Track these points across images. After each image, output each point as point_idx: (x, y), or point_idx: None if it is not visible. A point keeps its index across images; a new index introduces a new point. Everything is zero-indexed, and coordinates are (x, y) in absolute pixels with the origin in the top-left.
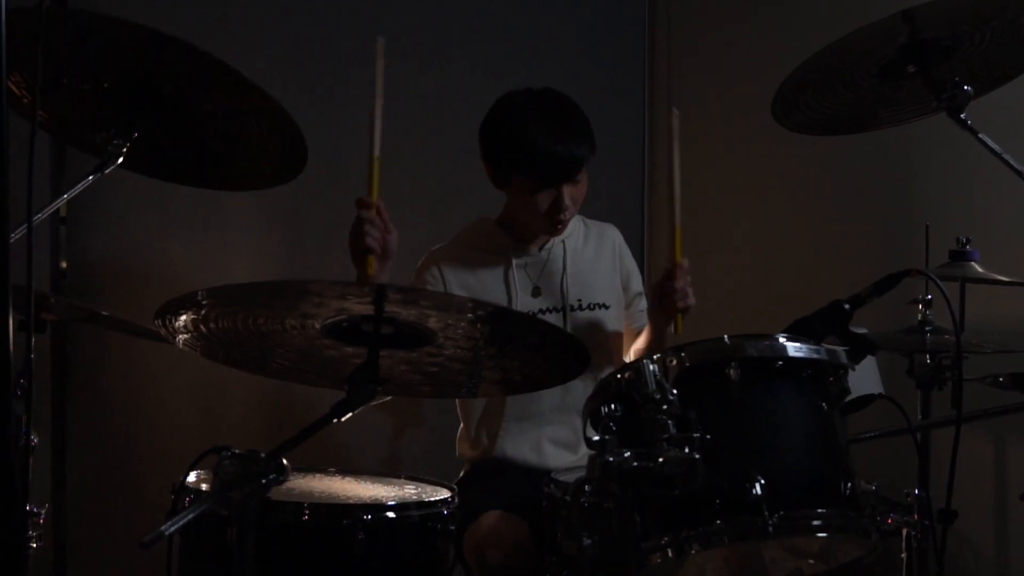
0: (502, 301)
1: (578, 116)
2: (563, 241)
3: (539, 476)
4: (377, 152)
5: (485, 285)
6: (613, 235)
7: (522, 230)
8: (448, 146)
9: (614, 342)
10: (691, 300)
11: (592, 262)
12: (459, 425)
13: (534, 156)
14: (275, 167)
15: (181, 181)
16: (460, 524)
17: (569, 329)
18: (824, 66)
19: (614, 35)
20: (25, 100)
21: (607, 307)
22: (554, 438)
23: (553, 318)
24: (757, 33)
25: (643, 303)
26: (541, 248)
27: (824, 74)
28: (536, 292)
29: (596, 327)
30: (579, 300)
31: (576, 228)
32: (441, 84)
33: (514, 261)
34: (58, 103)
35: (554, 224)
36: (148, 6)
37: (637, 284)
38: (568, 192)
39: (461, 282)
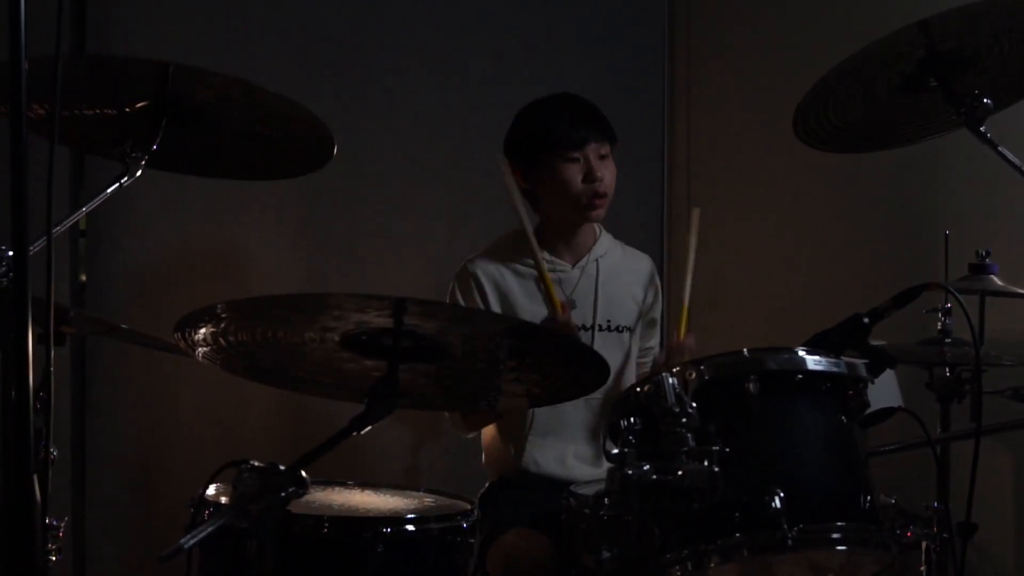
0: (537, 314)
1: (592, 106)
2: (597, 260)
3: (563, 489)
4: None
5: (520, 298)
6: (646, 264)
7: (557, 236)
8: (468, 153)
9: (634, 362)
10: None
11: (622, 285)
12: (480, 438)
13: (556, 129)
14: (302, 157)
15: (204, 174)
16: (484, 539)
17: (594, 347)
18: (843, 79)
19: (633, 43)
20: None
21: (632, 331)
22: (579, 453)
23: (580, 335)
24: (776, 41)
25: (654, 339)
26: (575, 265)
27: (843, 88)
28: (571, 305)
29: (619, 348)
30: (608, 321)
31: (612, 249)
32: (459, 91)
33: (549, 275)
34: (79, 124)
35: (592, 197)
36: (163, 33)
37: (655, 312)
38: (597, 164)
39: (498, 294)
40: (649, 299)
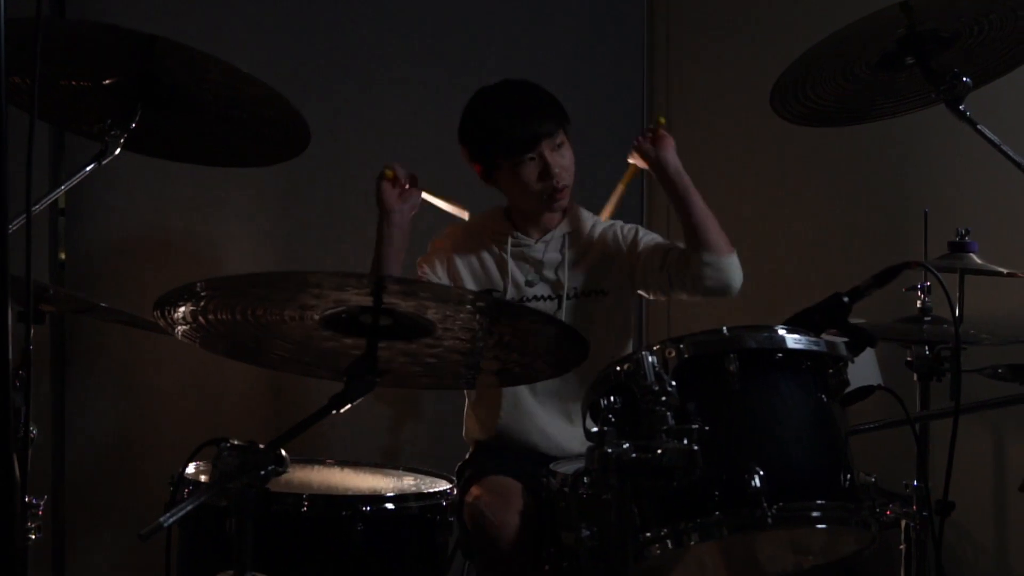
0: (496, 285)
1: (539, 92)
2: (564, 235)
3: (542, 455)
4: None
5: (484, 269)
6: (618, 225)
7: (524, 218)
8: (448, 138)
9: (610, 328)
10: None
11: (594, 249)
12: (460, 415)
13: (506, 132)
14: (277, 146)
15: (181, 159)
16: (460, 492)
17: (563, 316)
18: (823, 57)
19: (614, 29)
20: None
21: (604, 293)
22: (554, 422)
23: (547, 305)
24: (758, 26)
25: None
26: (540, 239)
27: (823, 65)
28: (532, 280)
29: (591, 313)
30: (575, 288)
31: (587, 221)
32: (439, 78)
33: (511, 248)
34: (57, 97)
35: (552, 192)
36: (146, 5)
37: (645, 241)
38: (552, 158)
39: (464, 264)
40: (624, 246)
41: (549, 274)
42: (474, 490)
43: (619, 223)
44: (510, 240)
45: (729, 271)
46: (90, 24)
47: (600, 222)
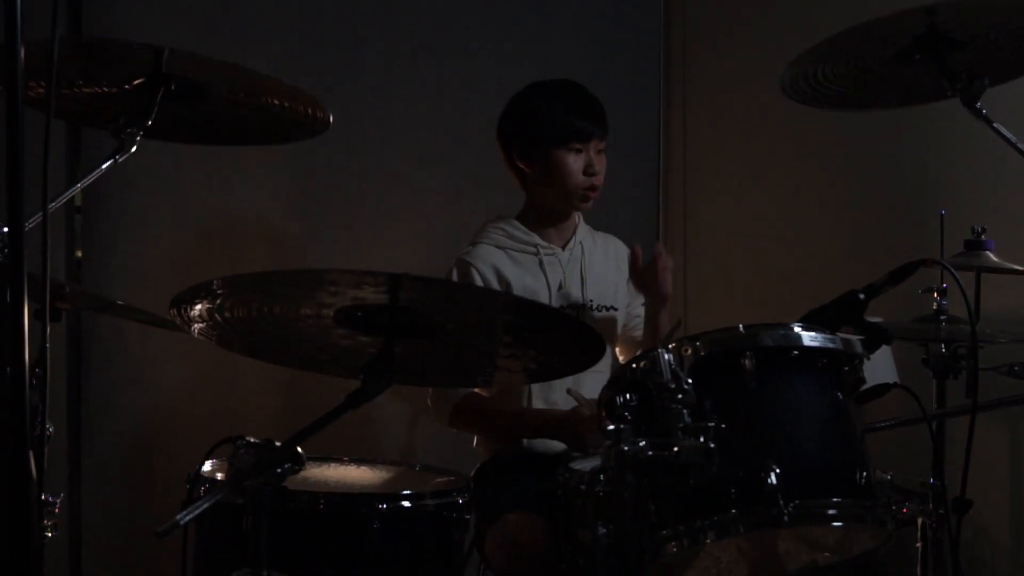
0: (543, 296)
1: (598, 100)
2: (581, 243)
3: (557, 465)
4: None
5: (525, 280)
6: (616, 245)
7: (543, 224)
8: (464, 129)
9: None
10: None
11: (602, 267)
12: None
13: (565, 118)
14: (297, 126)
15: (199, 142)
16: (480, 521)
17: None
18: (839, 47)
19: (630, 22)
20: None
21: (615, 309)
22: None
23: (571, 313)
24: (775, 23)
25: (641, 307)
26: (564, 247)
27: (837, 54)
28: (560, 286)
29: (606, 327)
30: (591, 300)
31: (586, 234)
32: (459, 78)
33: (544, 257)
34: (73, 97)
35: (588, 189)
36: (159, 16)
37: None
38: (596, 158)
39: (501, 279)
40: (627, 275)
41: (572, 284)
42: (498, 527)
43: (616, 244)
44: (541, 249)
45: None
46: (104, 41)
47: (597, 235)
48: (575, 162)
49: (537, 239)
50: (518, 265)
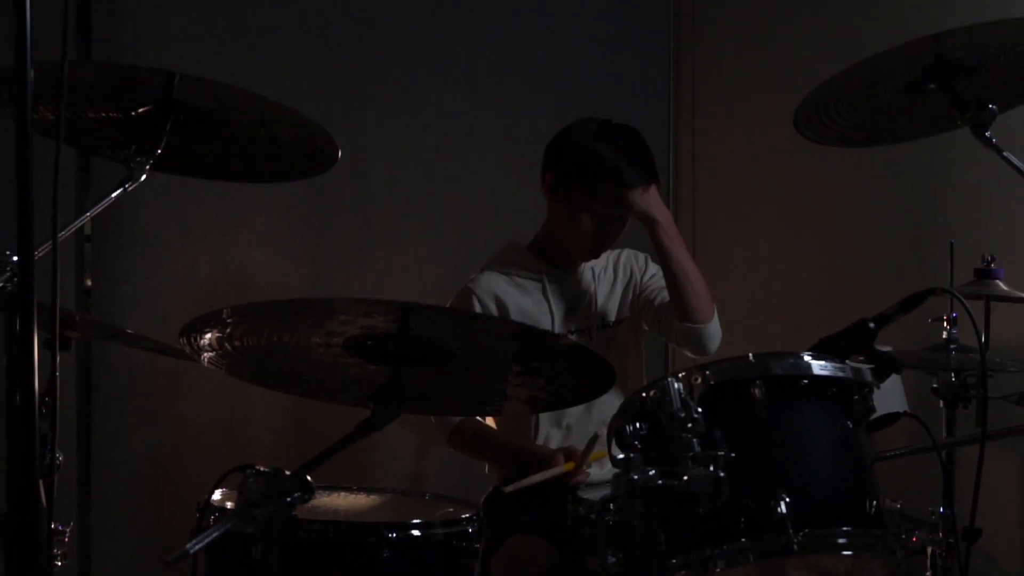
0: (545, 322)
1: (646, 154)
2: (592, 266)
3: (567, 493)
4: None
5: (526, 308)
6: (627, 256)
7: (557, 253)
8: (474, 155)
9: (632, 353)
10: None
11: (611, 282)
12: None
13: (608, 163)
14: (306, 161)
15: (209, 176)
16: (487, 545)
17: (594, 346)
18: (848, 82)
19: (639, 46)
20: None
21: (623, 322)
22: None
23: (580, 337)
24: (784, 44)
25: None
26: (569, 271)
27: (848, 90)
28: (570, 313)
29: (617, 341)
30: (602, 319)
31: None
32: (465, 94)
33: (548, 285)
34: (83, 125)
35: (595, 249)
36: (168, 40)
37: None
38: (611, 226)
39: (500, 306)
40: (637, 276)
41: (580, 307)
42: (504, 551)
43: (624, 253)
44: (545, 277)
45: (707, 339)
46: (113, 66)
47: (611, 251)
48: (591, 227)
49: (543, 266)
50: (521, 291)
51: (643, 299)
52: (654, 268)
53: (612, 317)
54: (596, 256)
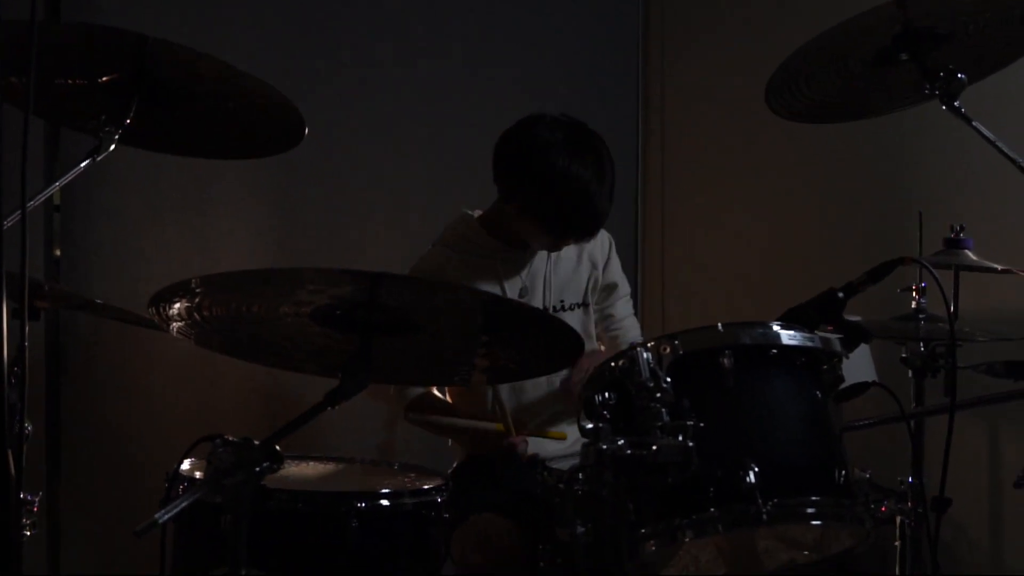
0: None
1: (611, 170)
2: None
3: (532, 466)
4: None
5: (473, 283)
6: (600, 236)
7: (509, 235)
8: (443, 129)
9: (591, 335)
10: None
11: (574, 262)
12: None
13: (572, 216)
14: (272, 138)
15: (177, 152)
16: (451, 522)
17: None
18: (818, 52)
19: (608, 24)
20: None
21: (585, 305)
22: (544, 425)
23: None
24: (752, 23)
25: (615, 306)
26: (526, 250)
27: (818, 61)
28: (523, 292)
29: (576, 325)
30: (561, 301)
31: None
32: (435, 71)
33: (501, 265)
34: (52, 94)
35: (554, 249)
36: (141, 6)
37: (611, 277)
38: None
39: (464, 277)
40: (600, 262)
41: (537, 286)
42: (466, 529)
43: (600, 234)
44: (498, 256)
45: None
46: (84, 26)
47: None
48: (544, 241)
49: (496, 243)
50: (471, 269)
51: (603, 325)
52: (614, 264)
53: (569, 300)
54: (556, 250)
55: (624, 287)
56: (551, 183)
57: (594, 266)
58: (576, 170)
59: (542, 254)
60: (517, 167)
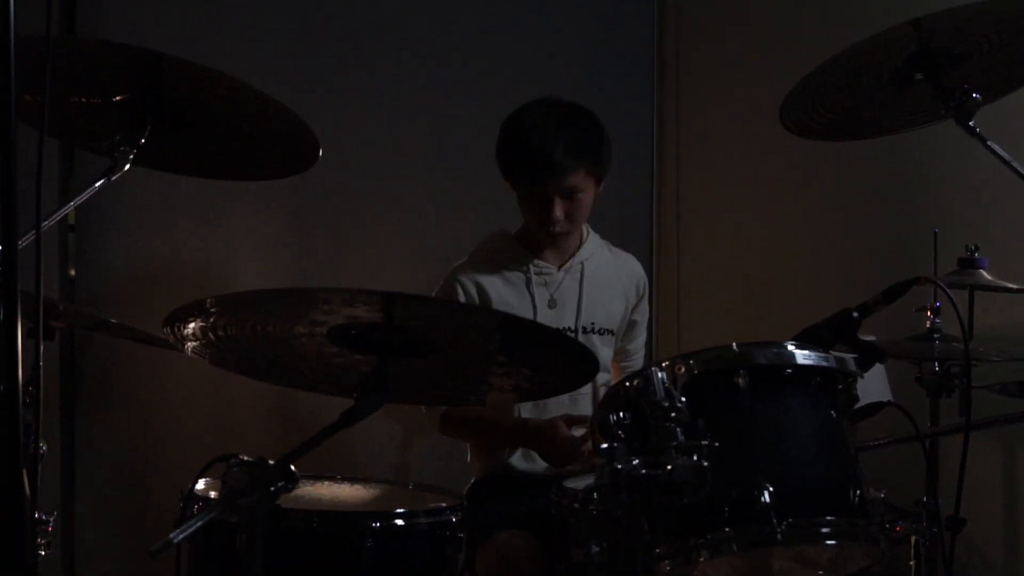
0: (526, 314)
1: (581, 127)
2: (582, 263)
3: (549, 484)
4: None
5: (508, 298)
6: (634, 267)
7: (534, 241)
8: (456, 146)
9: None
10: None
11: (608, 288)
12: None
13: (514, 167)
14: (287, 159)
15: (191, 173)
16: (471, 540)
17: None
18: (834, 73)
19: (622, 34)
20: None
21: (611, 333)
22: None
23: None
24: (766, 38)
25: (635, 342)
26: (560, 267)
27: (833, 80)
28: (552, 305)
29: (602, 350)
30: (592, 323)
31: (599, 252)
32: (447, 85)
33: (534, 276)
34: (67, 114)
35: (546, 234)
36: (155, 23)
37: (639, 315)
38: (561, 205)
39: (485, 296)
40: (632, 301)
41: (567, 305)
42: (490, 546)
43: (635, 266)
44: (531, 268)
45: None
46: (99, 43)
47: (617, 253)
48: (533, 206)
49: (530, 257)
50: (505, 282)
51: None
52: (644, 305)
53: (600, 324)
54: (552, 236)
55: (644, 327)
56: (506, 128)
57: (627, 300)
58: (531, 116)
59: (575, 275)
60: (500, 133)
